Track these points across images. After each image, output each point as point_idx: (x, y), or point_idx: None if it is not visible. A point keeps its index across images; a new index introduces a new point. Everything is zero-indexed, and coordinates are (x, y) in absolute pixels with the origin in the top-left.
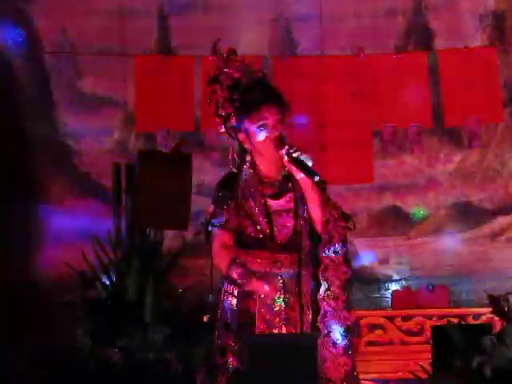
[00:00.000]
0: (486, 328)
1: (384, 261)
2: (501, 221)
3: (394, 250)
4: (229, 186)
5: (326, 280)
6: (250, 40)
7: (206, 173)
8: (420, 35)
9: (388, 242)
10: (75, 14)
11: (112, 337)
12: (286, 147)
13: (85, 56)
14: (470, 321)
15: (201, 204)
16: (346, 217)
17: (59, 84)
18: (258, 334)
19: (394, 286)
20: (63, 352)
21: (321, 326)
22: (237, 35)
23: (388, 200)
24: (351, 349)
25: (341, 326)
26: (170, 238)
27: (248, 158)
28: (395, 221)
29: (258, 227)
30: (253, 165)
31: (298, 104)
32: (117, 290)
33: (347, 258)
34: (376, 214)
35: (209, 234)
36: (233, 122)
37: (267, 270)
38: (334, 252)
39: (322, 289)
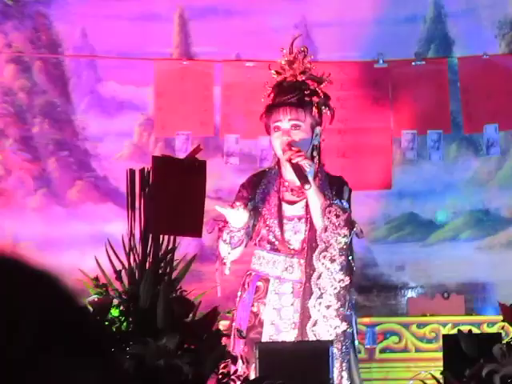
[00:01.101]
0: (496, 337)
1: (401, 268)
2: None
3: (411, 256)
4: (251, 186)
5: (319, 288)
6: (270, 45)
7: (224, 178)
8: (440, 42)
9: (405, 248)
10: (96, 18)
11: (124, 343)
12: (288, 153)
13: (105, 60)
14: (485, 329)
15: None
16: (351, 225)
17: (79, 88)
18: (269, 342)
19: (410, 293)
20: None
21: (309, 333)
22: (257, 40)
23: (406, 206)
24: (340, 357)
25: (330, 335)
26: (187, 244)
27: (275, 158)
28: (413, 227)
29: (271, 231)
30: (277, 166)
31: None
32: (129, 297)
33: (346, 267)
34: (394, 220)
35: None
36: (263, 118)
37: (279, 274)
38: (329, 260)
39: (314, 296)
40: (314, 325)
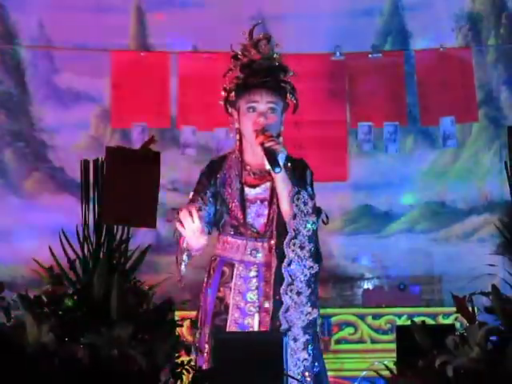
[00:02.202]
0: (450, 328)
1: (357, 259)
2: (473, 221)
3: (367, 248)
4: (210, 172)
5: (290, 275)
6: (226, 38)
7: (180, 169)
8: (397, 35)
9: (361, 240)
10: (52, 8)
11: (77, 333)
12: (261, 136)
13: (61, 51)
14: (440, 320)
15: (175, 201)
16: (317, 212)
17: (35, 79)
18: (224, 332)
19: (366, 285)
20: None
21: (282, 320)
22: (213, 33)
23: (362, 199)
24: (312, 344)
25: (302, 321)
26: (143, 234)
27: (237, 142)
28: (369, 219)
29: (234, 215)
30: (239, 150)
31: None
32: (83, 287)
33: (315, 254)
34: (350, 212)
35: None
36: (232, 97)
37: (243, 258)
38: (299, 247)
39: (285, 282)
40: (286, 311)
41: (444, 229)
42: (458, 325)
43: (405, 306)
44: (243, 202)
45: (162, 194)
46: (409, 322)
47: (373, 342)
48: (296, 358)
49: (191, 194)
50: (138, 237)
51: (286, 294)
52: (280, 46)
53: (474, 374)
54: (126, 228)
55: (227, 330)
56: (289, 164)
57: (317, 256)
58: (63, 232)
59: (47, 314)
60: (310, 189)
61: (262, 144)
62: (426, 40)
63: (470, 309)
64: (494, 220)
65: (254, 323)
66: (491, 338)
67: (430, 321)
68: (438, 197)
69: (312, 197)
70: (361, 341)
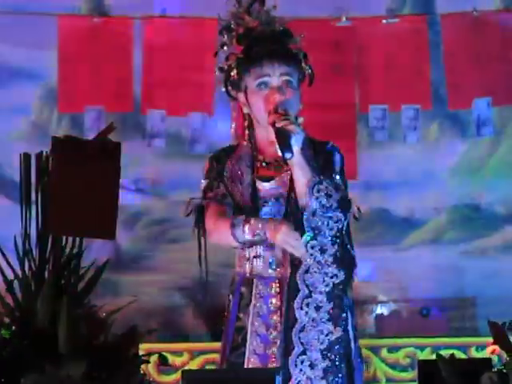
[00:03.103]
0: (486, 363)
1: (369, 277)
2: None
3: (382, 263)
4: (219, 164)
5: (306, 285)
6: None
7: (147, 164)
8: None
9: (374, 253)
10: None
11: (17, 372)
12: (273, 115)
13: None
14: (473, 353)
15: (140, 204)
16: (346, 205)
17: None
18: (197, 370)
19: (380, 310)
20: None
21: (295, 340)
22: None
23: (375, 201)
24: (333, 374)
25: (321, 343)
26: (98, 247)
27: (246, 130)
28: (384, 227)
29: (247, 219)
30: (250, 137)
31: None
32: (23, 314)
33: (339, 258)
34: (360, 218)
35: (201, 211)
36: (234, 76)
37: (262, 272)
38: (319, 250)
39: (300, 295)
40: (302, 330)
41: (479, 239)
42: (495, 359)
43: (428, 337)
44: (256, 200)
45: (122, 196)
46: (433, 356)
47: (388, 381)
48: None
49: (204, 183)
50: (92, 250)
51: (302, 309)
52: (276, 9)
53: None
54: (77, 239)
55: (245, 364)
56: (311, 149)
57: (344, 261)
58: None
59: None
60: (337, 177)
61: (273, 124)
62: (454, 2)
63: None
64: None
65: (278, 353)
66: None
67: (460, 354)
68: (471, 199)
69: (339, 187)
70: (374, 380)
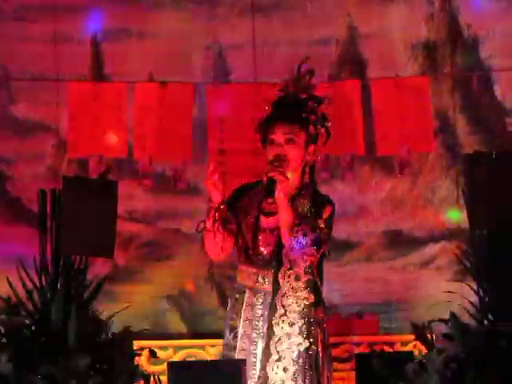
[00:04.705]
0: (408, 356)
1: None
2: (430, 249)
3: (325, 276)
4: (239, 194)
5: (283, 305)
6: (183, 67)
7: (138, 199)
8: (353, 64)
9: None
10: (9, 39)
11: (35, 364)
12: (268, 165)
13: (18, 81)
14: (399, 348)
15: (132, 230)
16: (317, 244)
17: None
18: (181, 361)
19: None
20: None
21: (272, 350)
22: (170, 62)
23: None
24: (302, 375)
25: (292, 352)
26: (100, 264)
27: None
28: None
29: (245, 242)
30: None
31: (231, 131)
32: (41, 317)
33: (311, 285)
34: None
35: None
36: (259, 132)
37: (253, 285)
38: (295, 278)
39: (278, 314)
40: (278, 342)
41: (402, 257)
42: (416, 352)
43: (363, 334)
44: (256, 230)
45: (118, 223)
46: (368, 350)
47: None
48: None
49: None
50: (95, 267)
51: (278, 324)
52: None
53: None
54: (83, 258)
55: (236, 357)
56: (302, 192)
57: (313, 287)
58: (21, 262)
59: (5, 344)
60: (320, 223)
61: (266, 173)
62: (382, 69)
63: (429, 336)
64: (452, 248)
65: (257, 351)
66: (450, 366)
67: (388, 349)
68: (396, 225)
69: (315, 229)
70: None
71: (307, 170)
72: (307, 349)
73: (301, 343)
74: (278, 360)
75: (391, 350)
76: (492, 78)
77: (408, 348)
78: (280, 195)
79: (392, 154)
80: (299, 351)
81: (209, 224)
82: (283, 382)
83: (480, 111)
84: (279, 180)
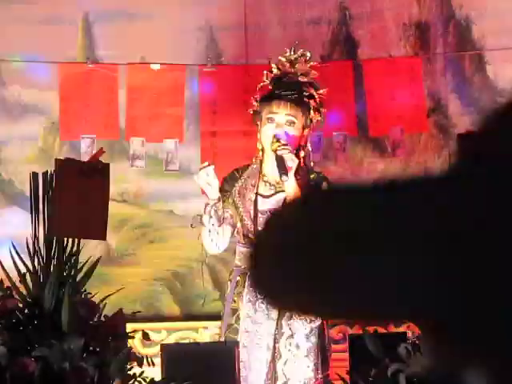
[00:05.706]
0: (402, 336)
1: None
2: None
3: None
4: (231, 180)
5: (290, 328)
6: (175, 49)
7: (130, 181)
8: (345, 45)
9: None
10: None
11: (28, 347)
12: (276, 144)
13: (9, 64)
14: (392, 329)
15: (125, 212)
16: None
17: None
18: (175, 344)
19: None
20: None
21: (285, 327)
22: (161, 44)
23: None
24: (315, 351)
25: (305, 329)
26: (93, 246)
27: (259, 152)
28: None
29: (245, 225)
30: (260, 160)
31: (222, 114)
32: (34, 300)
33: None
34: None
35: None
36: (256, 107)
37: None
38: None
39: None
40: (290, 319)
41: None
42: (409, 333)
43: None
44: (256, 212)
45: (111, 206)
46: (361, 331)
47: None
48: (299, 363)
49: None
50: (88, 249)
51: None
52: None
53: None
54: (75, 240)
55: (239, 339)
56: (300, 172)
57: None
58: (13, 245)
59: None
60: None
61: (275, 151)
62: (373, 49)
63: None
64: None
65: (261, 331)
66: None
67: (381, 329)
68: None
69: None
70: None
71: (300, 154)
72: (320, 326)
73: (312, 319)
74: (291, 336)
75: (385, 331)
76: (484, 57)
77: (401, 329)
78: (291, 175)
79: (384, 135)
80: (311, 328)
81: (205, 220)
82: (297, 358)
83: (472, 91)
84: (290, 159)
